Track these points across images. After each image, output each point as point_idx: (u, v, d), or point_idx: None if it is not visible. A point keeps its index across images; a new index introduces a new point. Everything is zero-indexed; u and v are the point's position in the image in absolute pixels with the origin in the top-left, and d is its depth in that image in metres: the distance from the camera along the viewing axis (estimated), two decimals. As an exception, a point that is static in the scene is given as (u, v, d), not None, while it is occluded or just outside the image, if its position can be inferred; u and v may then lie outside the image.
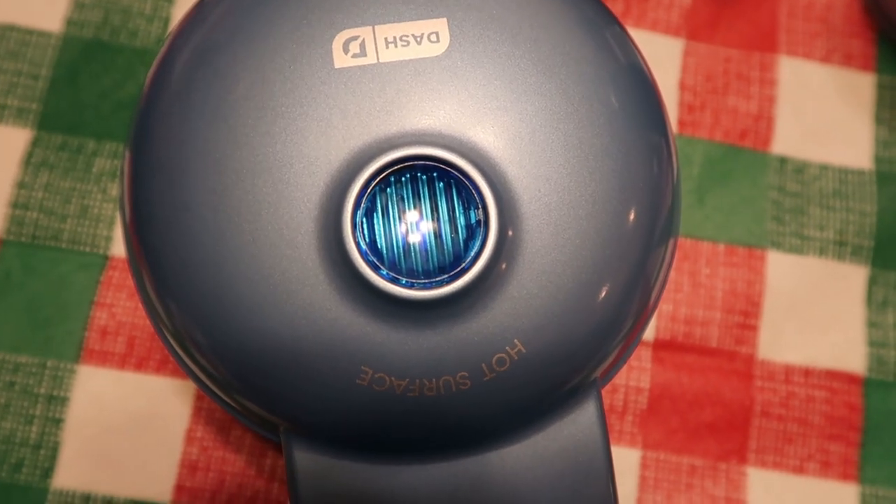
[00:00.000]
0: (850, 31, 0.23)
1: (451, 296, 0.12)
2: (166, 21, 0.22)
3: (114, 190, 0.21)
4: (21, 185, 0.20)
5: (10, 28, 0.21)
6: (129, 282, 0.20)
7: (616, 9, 0.23)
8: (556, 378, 0.14)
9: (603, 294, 0.14)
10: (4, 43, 0.21)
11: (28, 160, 0.20)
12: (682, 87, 0.22)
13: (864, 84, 0.23)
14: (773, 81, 0.23)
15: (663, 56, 0.23)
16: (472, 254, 0.13)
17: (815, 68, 0.23)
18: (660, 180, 0.14)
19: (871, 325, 0.21)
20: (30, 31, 0.21)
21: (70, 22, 0.21)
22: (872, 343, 0.21)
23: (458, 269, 0.13)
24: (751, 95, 0.23)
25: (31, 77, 0.21)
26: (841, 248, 0.22)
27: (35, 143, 0.21)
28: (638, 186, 0.14)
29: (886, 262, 0.22)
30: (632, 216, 0.14)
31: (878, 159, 0.22)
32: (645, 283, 0.14)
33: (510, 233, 0.13)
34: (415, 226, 0.13)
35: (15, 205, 0.20)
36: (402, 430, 0.13)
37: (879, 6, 0.23)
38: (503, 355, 0.13)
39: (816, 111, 0.23)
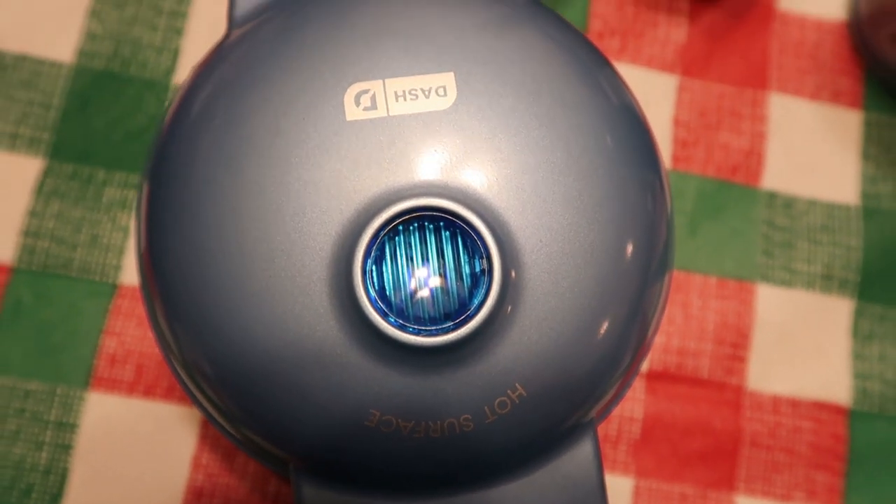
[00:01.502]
0: (839, 69, 0.24)
1: (455, 342, 0.13)
2: (175, 53, 0.22)
3: (124, 219, 0.21)
4: (32, 213, 0.21)
5: (23, 58, 0.22)
6: (138, 310, 0.20)
7: (612, 45, 0.23)
8: (555, 419, 0.14)
9: (601, 336, 0.14)
10: (17, 73, 0.22)
11: (40, 189, 0.21)
12: (676, 122, 0.23)
13: (851, 121, 0.24)
14: (764, 118, 0.23)
15: (658, 92, 0.23)
16: (477, 302, 0.13)
17: (804, 105, 0.24)
18: (655, 220, 0.15)
19: (857, 356, 0.22)
20: (42, 62, 0.22)
21: (82, 53, 0.22)
22: (857, 375, 0.22)
23: (463, 316, 0.13)
24: (742, 131, 0.23)
25: (43, 107, 0.22)
26: (828, 282, 0.22)
27: (47, 172, 0.21)
28: (634, 230, 0.14)
29: (872, 295, 0.22)
30: (628, 259, 0.14)
31: (865, 195, 0.23)
32: (642, 321, 0.15)
33: (513, 281, 0.14)
34: (422, 274, 0.13)
35: (26, 233, 0.21)
36: (407, 469, 0.14)
37: (867, 44, 0.24)
38: (505, 398, 0.14)
39: (805, 147, 0.23)
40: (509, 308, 0.13)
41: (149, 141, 0.21)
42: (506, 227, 0.14)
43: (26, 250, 0.21)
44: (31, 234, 0.21)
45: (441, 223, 0.14)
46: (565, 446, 0.15)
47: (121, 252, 0.21)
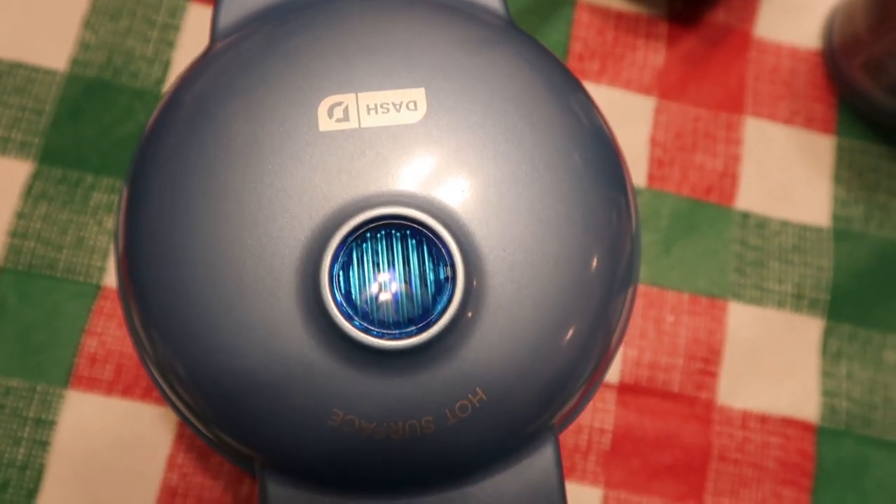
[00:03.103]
0: (812, 96, 0.25)
1: (418, 346, 0.13)
2: (166, 64, 0.23)
3: (109, 222, 0.22)
4: (20, 215, 0.21)
5: (18, 65, 0.22)
6: (120, 311, 0.21)
7: (592, 68, 0.24)
8: (516, 424, 0.15)
9: (562, 345, 0.15)
10: (11, 79, 0.22)
11: (28, 192, 0.22)
12: (653, 142, 0.24)
13: (824, 145, 0.24)
14: (739, 141, 0.24)
15: (636, 113, 0.24)
16: (440, 308, 0.14)
17: (778, 129, 0.24)
18: (619, 236, 0.15)
19: (825, 374, 0.22)
20: (36, 69, 0.22)
21: (75, 61, 0.23)
22: (826, 392, 0.22)
23: (426, 321, 0.14)
24: (717, 153, 0.24)
25: (35, 112, 0.22)
26: (798, 301, 0.23)
27: (36, 175, 0.22)
28: (597, 244, 0.15)
29: (841, 315, 0.23)
30: (592, 271, 0.15)
31: (836, 217, 0.24)
32: (604, 333, 0.15)
33: (475, 288, 0.14)
34: (387, 280, 0.14)
35: (14, 234, 0.21)
36: (369, 469, 0.14)
37: (840, 72, 0.24)
38: (465, 402, 0.14)
39: (779, 170, 0.24)
40: (471, 314, 0.14)
41: (137, 148, 0.22)
42: (470, 237, 0.14)
43: (13, 250, 0.21)
44: (18, 234, 0.21)
45: (407, 231, 0.14)
46: (527, 451, 0.15)
47: (105, 254, 0.21)
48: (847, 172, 0.24)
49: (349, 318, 0.14)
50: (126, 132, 0.22)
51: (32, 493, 0.20)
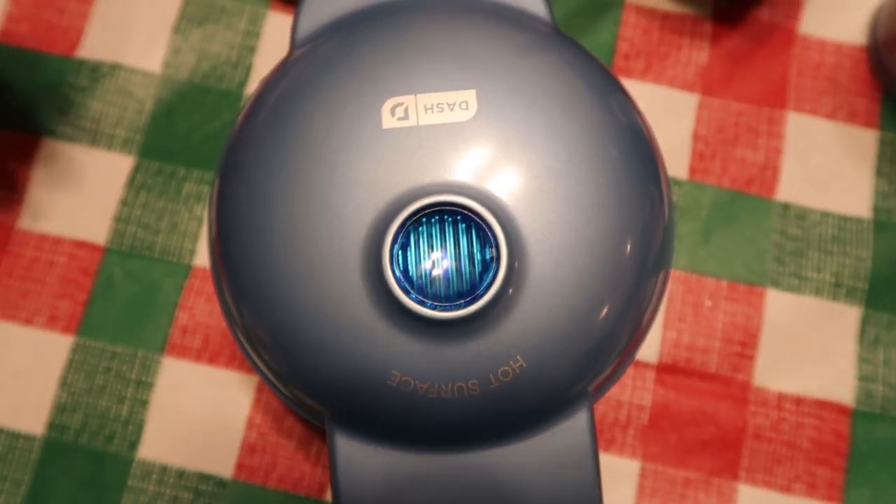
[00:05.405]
0: (856, 90, 0.25)
1: (466, 317, 0.15)
2: (248, 68, 0.25)
3: (198, 210, 0.24)
4: (124, 203, 0.24)
5: (118, 66, 0.25)
6: (208, 288, 0.24)
7: (637, 66, 0.25)
8: (552, 390, 0.16)
9: (596, 321, 0.16)
10: (114, 80, 0.25)
11: (131, 182, 0.25)
12: (696, 137, 0.25)
13: (867, 139, 0.25)
14: (780, 134, 0.25)
15: (679, 109, 0.25)
16: (485, 284, 0.16)
17: (820, 123, 0.25)
18: (650, 225, 0.17)
19: (862, 360, 0.23)
20: (134, 71, 0.25)
21: (167, 64, 0.25)
22: (862, 377, 0.23)
23: (473, 296, 0.16)
24: (758, 147, 0.25)
25: (136, 112, 0.25)
26: (836, 289, 0.24)
27: (137, 168, 0.25)
28: (629, 231, 0.17)
29: (879, 304, 0.24)
30: (624, 256, 0.17)
31: (877, 209, 0.24)
32: (635, 312, 0.17)
33: (517, 268, 0.16)
34: (439, 259, 0.16)
35: (118, 219, 0.24)
36: (422, 424, 0.16)
37: (885, 68, 0.25)
38: (507, 368, 0.16)
39: (820, 162, 0.25)
40: (513, 291, 0.16)
41: (222, 144, 0.25)
42: (513, 222, 0.16)
43: (118, 234, 0.24)
44: (122, 220, 0.24)
45: (458, 217, 0.16)
46: (563, 416, 0.17)
47: (195, 238, 0.24)
48: (889, 166, 0.25)
49: (406, 292, 0.16)
50: (213, 130, 0.25)
51: (134, 444, 0.23)
